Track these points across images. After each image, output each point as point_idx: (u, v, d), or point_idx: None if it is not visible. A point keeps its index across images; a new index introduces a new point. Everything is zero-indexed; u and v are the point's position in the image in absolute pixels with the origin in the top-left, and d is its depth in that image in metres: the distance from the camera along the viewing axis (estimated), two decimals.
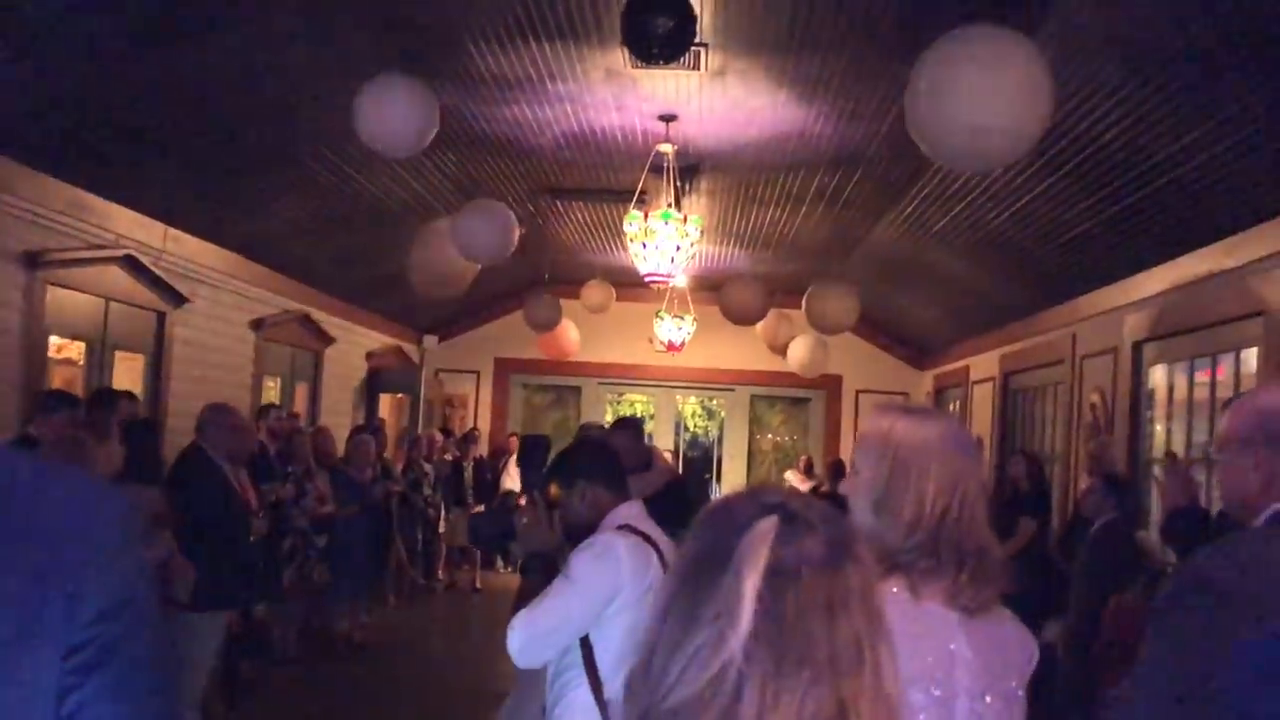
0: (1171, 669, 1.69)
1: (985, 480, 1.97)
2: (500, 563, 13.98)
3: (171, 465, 5.67)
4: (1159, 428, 7.37)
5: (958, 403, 12.55)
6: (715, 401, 15.65)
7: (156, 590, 1.31)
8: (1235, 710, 1.59)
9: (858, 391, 14.53)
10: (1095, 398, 8.07)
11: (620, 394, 15.51)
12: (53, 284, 6.38)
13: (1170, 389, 7.20)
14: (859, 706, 0.95)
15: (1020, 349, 10.07)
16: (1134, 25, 4.85)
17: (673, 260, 6.78)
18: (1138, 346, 7.48)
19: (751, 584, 0.97)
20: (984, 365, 11.35)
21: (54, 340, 6.78)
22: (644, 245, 6.76)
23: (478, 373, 14.72)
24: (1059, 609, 6.23)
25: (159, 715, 1.24)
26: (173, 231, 7.61)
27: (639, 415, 15.56)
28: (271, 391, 9.93)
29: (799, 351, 12.13)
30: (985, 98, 3.62)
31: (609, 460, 3.29)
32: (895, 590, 1.73)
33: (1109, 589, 5.29)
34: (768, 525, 0.99)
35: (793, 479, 13.70)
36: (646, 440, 8.05)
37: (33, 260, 6.14)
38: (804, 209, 9.18)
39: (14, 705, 1.14)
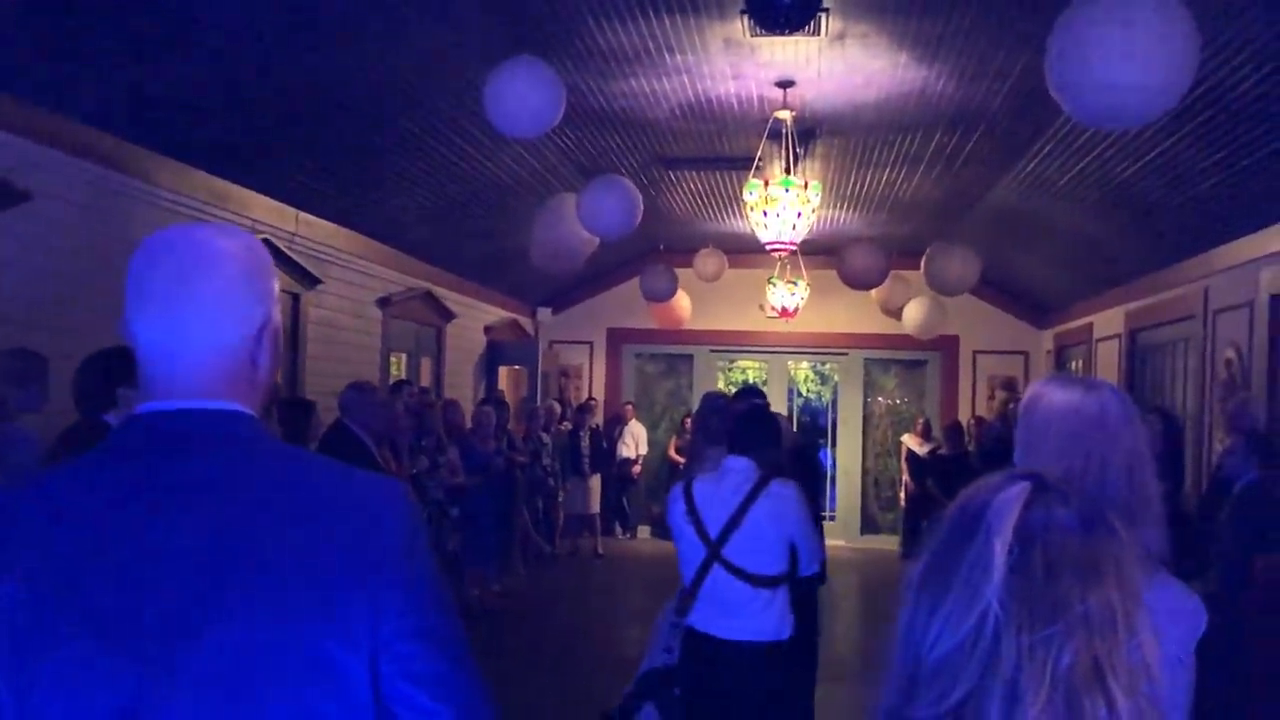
0: None
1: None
2: (619, 529, 14.24)
3: (319, 443, 5.92)
4: None
5: (1080, 361, 12.31)
6: (828, 366, 15.59)
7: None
8: None
9: (975, 352, 14.33)
10: (1230, 354, 7.86)
11: (732, 361, 15.56)
12: None
13: None
14: (1115, 666, 1.01)
15: (1148, 305, 9.84)
16: None
17: (794, 228, 6.79)
18: (1275, 299, 7.26)
19: (1001, 540, 1.04)
20: (1108, 322, 11.10)
21: None
22: (765, 214, 6.78)
23: (591, 343, 14.91)
24: (1199, 571, 6.12)
25: (471, 692, 1.33)
26: (304, 216, 7.90)
27: (749, 381, 15.62)
28: (397, 367, 10.25)
29: (916, 313, 12.02)
30: (1117, 55, 3.59)
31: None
32: None
33: (1255, 550, 5.19)
34: (1018, 490, 1.07)
35: (910, 442, 13.63)
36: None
37: None
38: (921, 169, 9.09)
39: (320, 704, 1.23)
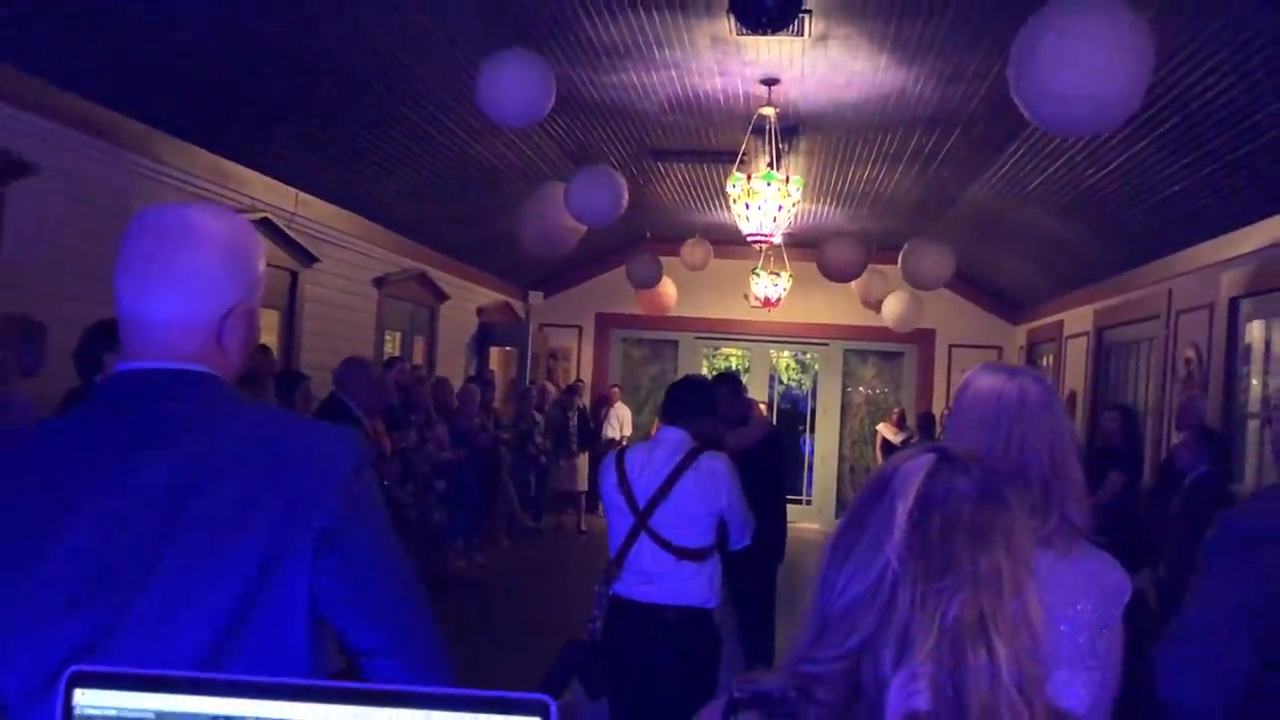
0: (1218, 604, 1.85)
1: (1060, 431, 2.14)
2: (602, 507, 14.32)
3: (312, 416, 5.97)
4: (1255, 383, 7.26)
5: (1051, 357, 12.41)
6: (809, 355, 15.67)
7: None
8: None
9: (950, 345, 14.42)
10: (1190, 353, 7.96)
11: (716, 348, 15.63)
12: None
13: (1267, 344, 7.09)
14: (997, 620, 1.09)
15: (1115, 304, 9.93)
16: None
17: (775, 220, 6.85)
18: (1234, 302, 7.36)
19: (904, 505, 1.13)
20: (1078, 320, 11.20)
21: None
22: (746, 206, 6.84)
23: (580, 327, 14.96)
24: (1149, 559, 6.24)
25: (401, 615, 1.41)
26: (303, 195, 7.93)
27: (732, 368, 15.71)
28: (392, 345, 10.29)
29: (894, 306, 12.09)
30: (1069, 66, 3.65)
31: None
32: None
33: (1202, 540, 5.30)
34: (924, 460, 1.16)
35: (885, 431, 13.71)
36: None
37: None
38: (900, 168, 9.15)
39: (275, 613, 1.32)
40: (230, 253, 1.44)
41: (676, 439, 3.94)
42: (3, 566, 1.28)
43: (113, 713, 0.80)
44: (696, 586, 3.84)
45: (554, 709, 0.82)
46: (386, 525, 1.44)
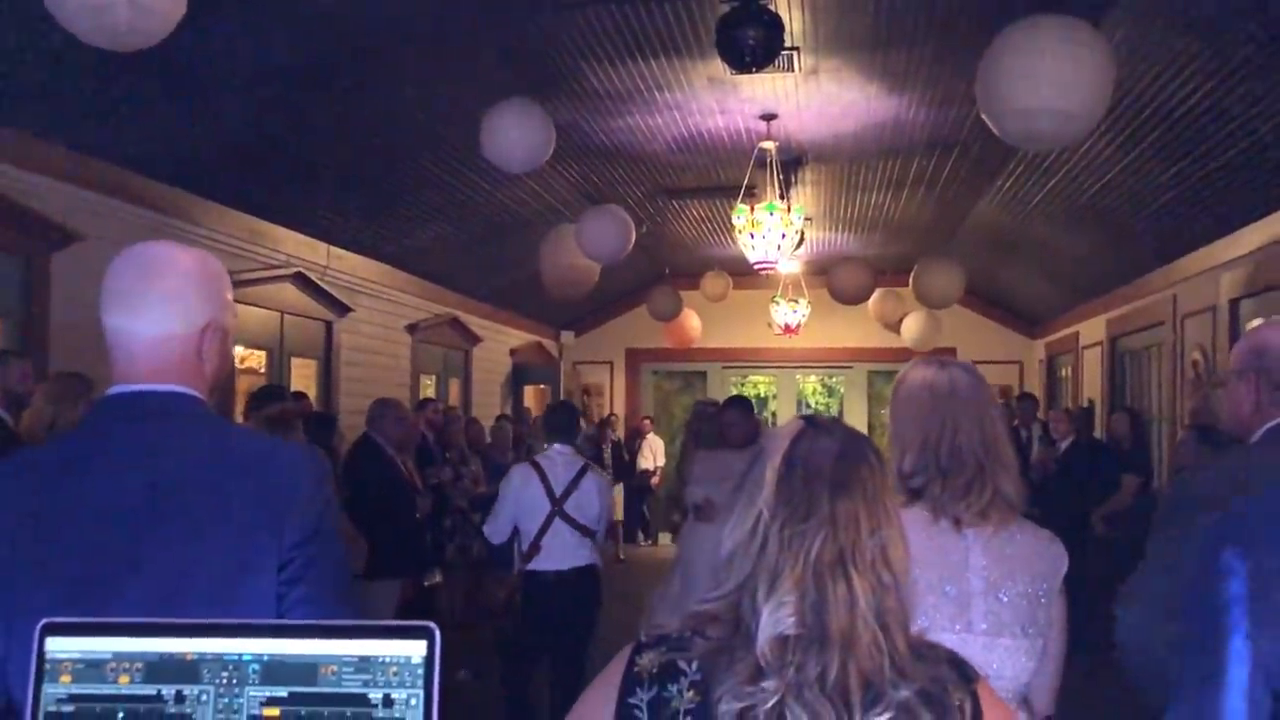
0: (1165, 566, 1.90)
1: (986, 415, 2.20)
2: (641, 536, 14.39)
3: (346, 454, 6.15)
4: None
5: (1069, 368, 12.38)
6: (835, 379, 15.72)
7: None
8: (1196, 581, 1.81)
9: (972, 362, 14.34)
10: (1196, 355, 7.96)
11: (744, 376, 15.71)
12: (236, 301, 6.94)
13: None
14: (855, 557, 1.23)
15: (1125, 313, 9.93)
16: None
17: (779, 247, 6.98)
18: (1234, 303, 7.36)
19: (772, 464, 1.28)
20: (1092, 330, 11.19)
21: (239, 351, 7.40)
22: (752, 236, 6.98)
23: (611, 363, 15.12)
24: None
25: (342, 609, 1.54)
26: (335, 250, 8.17)
27: (760, 395, 15.79)
28: (428, 388, 10.48)
29: (912, 327, 12.14)
30: (1030, 82, 3.76)
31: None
32: (922, 511, 1.99)
33: None
34: (792, 427, 1.30)
35: None
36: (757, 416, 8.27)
37: None
38: (905, 192, 9.25)
39: (249, 610, 1.46)
40: (199, 277, 1.63)
41: (570, 451, 5.40)
42: (15, 566, 1.43)
43: (77, 655, 0.95)
44: (588, 554, 5.27)
45: (438, 635, 0.94)
46: (340, 536, 1.59)
